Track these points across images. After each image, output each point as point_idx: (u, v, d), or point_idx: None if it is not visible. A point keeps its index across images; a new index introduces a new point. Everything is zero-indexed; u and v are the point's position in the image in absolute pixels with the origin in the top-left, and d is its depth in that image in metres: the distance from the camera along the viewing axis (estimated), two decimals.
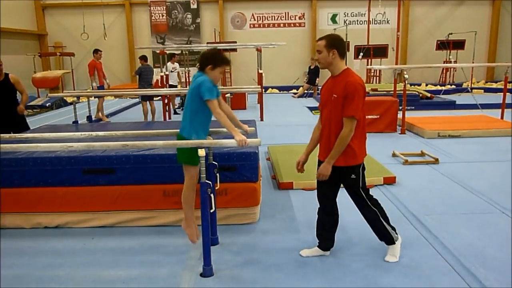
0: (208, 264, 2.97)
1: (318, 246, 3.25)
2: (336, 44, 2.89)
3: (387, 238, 3.13)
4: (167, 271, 3.06)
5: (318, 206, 3.21)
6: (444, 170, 5.47)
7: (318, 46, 2.93)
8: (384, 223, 3.08)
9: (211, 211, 2.93)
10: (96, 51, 10.04)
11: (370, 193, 3.12)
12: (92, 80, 9.86)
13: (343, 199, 3.22)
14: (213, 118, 3.06)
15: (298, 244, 3.44)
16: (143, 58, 9.95)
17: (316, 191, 3.20)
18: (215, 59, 3.02)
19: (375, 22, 17.88)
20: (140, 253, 3.37)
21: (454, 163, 5.82)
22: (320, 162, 3.05)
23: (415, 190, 4.72)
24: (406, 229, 3.64)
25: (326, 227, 3.20)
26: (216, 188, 3.25)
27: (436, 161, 5.80)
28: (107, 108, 11.47)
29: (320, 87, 3.39)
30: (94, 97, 10.23)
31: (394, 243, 3.14)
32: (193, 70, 17.57)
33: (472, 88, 14.49)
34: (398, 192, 4.63)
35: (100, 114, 10.08)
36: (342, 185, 3.11)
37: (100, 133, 3.55)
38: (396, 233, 3.15)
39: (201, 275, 2.98)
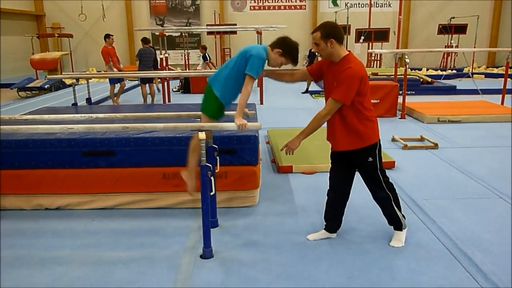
0: (208, 246, 3.00)
1: (325, 229, 3.27)
2: (332, 33, 2.79)
3: (396, 224, 3.14)
4: (167, 253, 3.10)
5: (328, 188, 3.21)
6: (443, 155, 5.49)
7: (314, 39, 2.83)
8: (396, 208, 3.09)
9: (211, 193, 2.94)
10: (107, 36, 9.44)
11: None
12: (109, 67, 9.38)
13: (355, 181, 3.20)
14: None
15: (297, 226, 3.47)
16: (144, 41, 9.70)
17: (315, 175, 3.21)
18: (290, 50, 2.93)
19: (377, 5, 17.72)
20: (140, 235, 3.40)
21: (453, 148, 5.83)
22: (332, 152, 3.08)
23: (414, 175, 4.74)
24: (404, 213, 3.66)
25: (335, 209, 3.21)
26: (216, 171, 3.26)
27: (435, 146, 5.82)
28: (104, 91, 11.39)
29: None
30: (111, 83, 9.73)
31: (402, 230, 3.16)
32: (193, 53, 17.30)
33: (473, 73, 14.43)
34: (397, 177, 4.65)
35: (115, 99, 9.70)
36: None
37: (100, 115, 3.55)
38: (405, 221, 3.17)
39: (201, 256, 3.01)
